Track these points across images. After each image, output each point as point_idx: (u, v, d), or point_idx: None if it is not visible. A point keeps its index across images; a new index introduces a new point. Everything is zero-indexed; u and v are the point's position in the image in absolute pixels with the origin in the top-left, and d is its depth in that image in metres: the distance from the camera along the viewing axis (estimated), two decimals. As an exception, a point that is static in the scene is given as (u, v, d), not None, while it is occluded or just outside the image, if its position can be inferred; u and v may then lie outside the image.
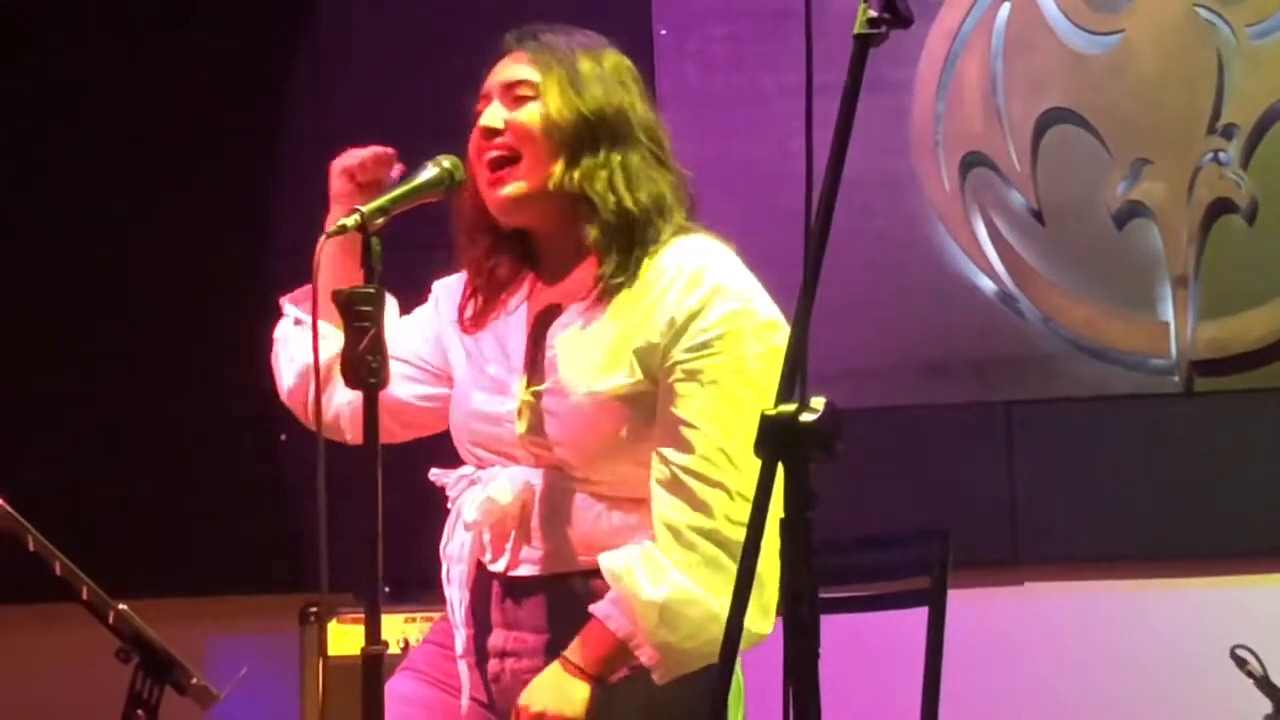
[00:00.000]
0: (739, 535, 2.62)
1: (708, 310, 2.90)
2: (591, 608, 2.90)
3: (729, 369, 2.90)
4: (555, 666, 2.91)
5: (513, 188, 2.97)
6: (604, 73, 3.01)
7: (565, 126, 2.96)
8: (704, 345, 2.90)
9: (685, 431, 2.89)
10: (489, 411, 3.01)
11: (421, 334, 3.18)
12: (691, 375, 2.90)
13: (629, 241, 2.94)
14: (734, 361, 2.90)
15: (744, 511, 2.82)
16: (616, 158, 2.96)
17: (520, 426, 2.98)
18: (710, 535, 2.87)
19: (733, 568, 2.74)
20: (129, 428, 5.19)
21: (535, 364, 3.00)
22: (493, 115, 2.99)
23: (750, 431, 2.82)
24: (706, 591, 2.85)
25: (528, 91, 2.98)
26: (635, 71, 3.07)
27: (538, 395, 2.96)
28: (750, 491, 2.27)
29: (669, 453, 2.89)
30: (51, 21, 5.28)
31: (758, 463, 2.21)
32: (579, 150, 2.96)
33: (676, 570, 2.86)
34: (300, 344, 3.12)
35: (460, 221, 3.07)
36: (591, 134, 2.96)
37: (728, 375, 2.89)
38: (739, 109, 4.98)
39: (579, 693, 2.88)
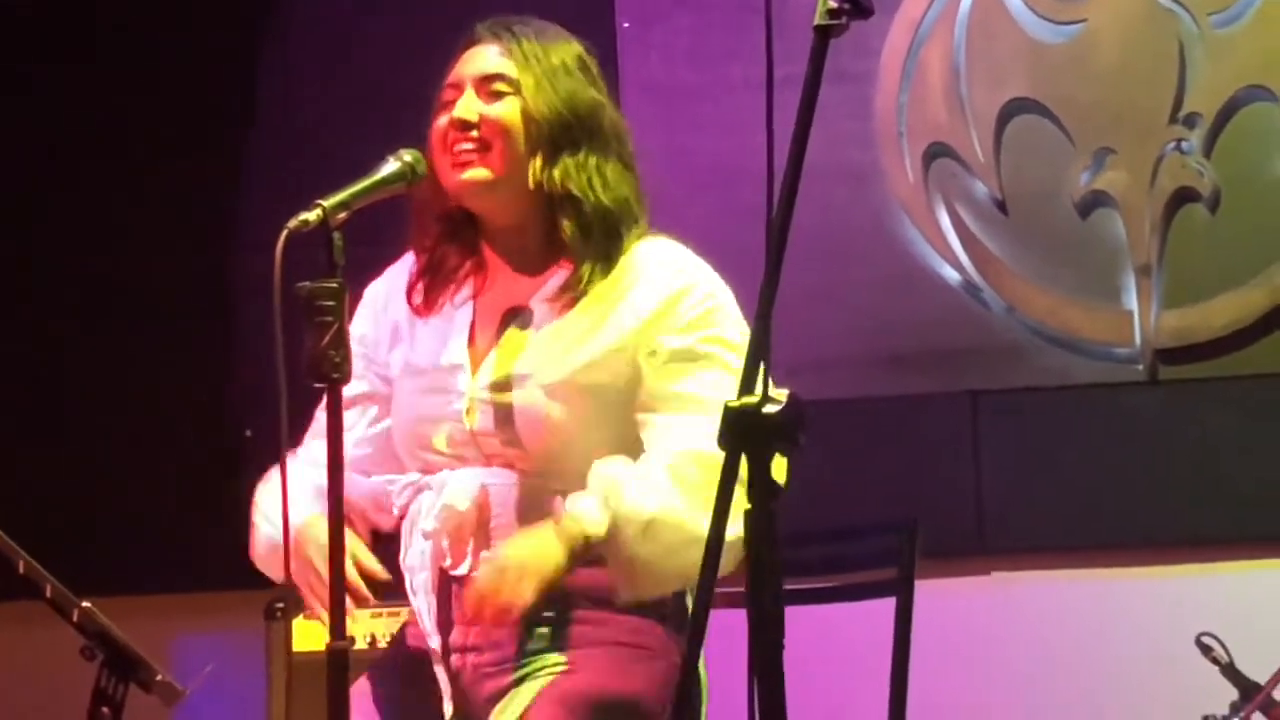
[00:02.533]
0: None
1: (690, 292, 2.94)
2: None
3: (719, 342, 2.92)
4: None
5: (475, 172, 2.95)
6: (578, 70, 3.00)
7: (544, 123, 2.95)
8: (691, 323, 2.92)
9: (688, 404, 2.88)
10: (436, 413, 2.99)
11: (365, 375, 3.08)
12: (682, 353, 2.91)
13: (606, 242, 2.95)
14: (722, 334, 2.93)
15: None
16: (593, 158, 2.96)
17: (470, 423, 2.96)
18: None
19: None
20: (95, 425, 5.17)
21: (489, 360, 2.98)
22: (466, 107, 2.96)
23: None
24: (695, 513, 2.78)
25: (504, 87, 2.96)
26: (599, 67, 3.07)
27: (496, 390, 2.95)
28: None
29: (673, 418, 2.88)
30: (27, 25, 5.26)
31: None
32: (559, 148, 2.95)
33: (674, 486, 2.82)
34: (274, 508, 2.98)
35: (415, 209, 3.04)
36: (569, 132, 2.96)
37: (719, 348, 2.92)
38: (704, 102, 4.97)
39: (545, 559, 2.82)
